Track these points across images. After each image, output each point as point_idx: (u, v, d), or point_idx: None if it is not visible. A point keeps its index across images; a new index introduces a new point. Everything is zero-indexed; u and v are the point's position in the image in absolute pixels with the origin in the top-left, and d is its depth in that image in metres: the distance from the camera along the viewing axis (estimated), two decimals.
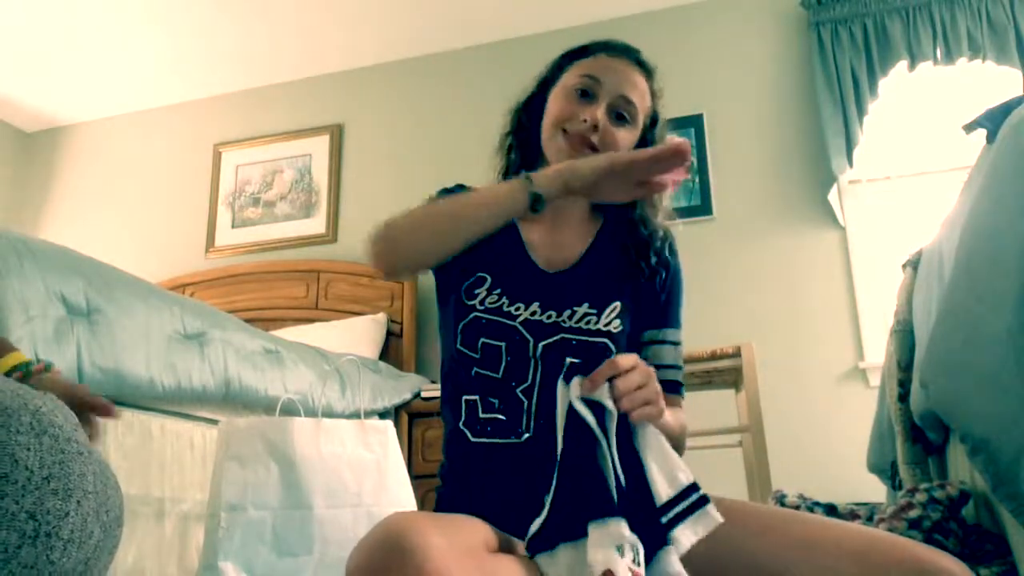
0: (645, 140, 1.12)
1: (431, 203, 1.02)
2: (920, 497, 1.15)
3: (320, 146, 3.80)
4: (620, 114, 1.08)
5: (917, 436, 1.50)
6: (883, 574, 0.76)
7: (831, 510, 1.38)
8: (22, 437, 0.52)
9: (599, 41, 1.14)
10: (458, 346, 1.03)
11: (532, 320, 1.01)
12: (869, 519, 1.32)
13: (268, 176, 3.85)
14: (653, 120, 1.14)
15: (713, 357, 2.23)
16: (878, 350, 2.72)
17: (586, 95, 1.08)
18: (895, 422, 1.55)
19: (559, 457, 0.84)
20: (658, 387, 0.89)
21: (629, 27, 3.47)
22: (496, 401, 1.00)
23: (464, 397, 1.02)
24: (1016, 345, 0.79)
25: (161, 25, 3.51)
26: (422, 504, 2.14)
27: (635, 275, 1.09)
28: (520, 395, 0.99)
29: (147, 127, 4.14)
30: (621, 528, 0.78)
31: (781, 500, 1.42)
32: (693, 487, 0.85)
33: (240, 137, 3.95)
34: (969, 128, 1.14)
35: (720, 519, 0.84)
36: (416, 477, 1.96)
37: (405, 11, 3.48)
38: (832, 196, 2.96)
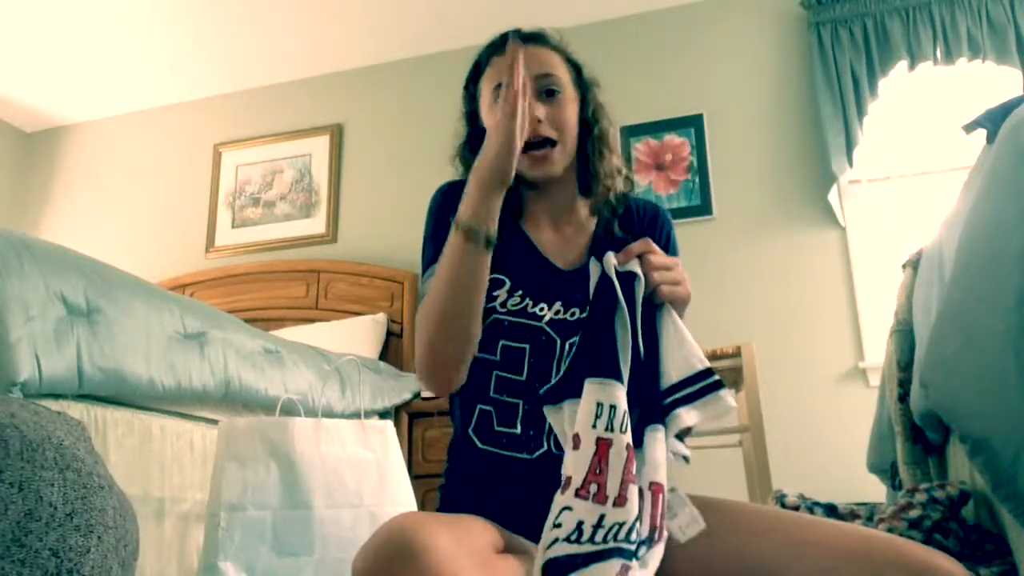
0: (582, 94, 1.14)
1: (419, 314, 1.01)
2: (920, 497, 1.15)
3: (320, 146, 3.80)
4: (548, 90, 1.09)
5: (917, 436, 1.50)
6: (880, 574, 0.76)
7: (831, 510, 1.37)
8: (47, 473, 0.52)
9: (484, 49, 1.15)
10: (477, 353, 1.01)
11: (557, 320, 1.01)
12: (869, 519, 1.32)
13: (268, 176, 3.85)
14: (577, 69, 1.15)
15: (713, 357, 2.23)
16: (878, 350, 2.72)
17: None
18: (895, 422, 1.55)
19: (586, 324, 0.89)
20: (686, 275, 0.93)
21: (629, 27, 3.47)
22: (519, 403, 0.98)
23: (479, 406, 1.01)
24: (1016, 345, 0.79)
25: (161, 25, 3.51)
26: (422, 504, 2.14)
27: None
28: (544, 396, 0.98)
29: (147, 127, 4.14)
30: (614, 390, 0.82)
31: (781, 500, 1.42)
32: (706, 372, 0.87)
33: (240, 137, 3.95)
34: (969, 128, 1.14)
35: (733, 405, 0.87)
36: (416, 477, 1.96)
37: (404, 11, 3.48)
38: (832, 196, 2.96)
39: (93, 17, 3.43)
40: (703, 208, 3.16)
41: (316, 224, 3.71)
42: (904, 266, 1.65)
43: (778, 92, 3.22)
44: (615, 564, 0.74)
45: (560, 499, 0.78)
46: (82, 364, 1.35)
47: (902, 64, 2.97)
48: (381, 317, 3.27)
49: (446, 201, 1.12)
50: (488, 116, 1.12)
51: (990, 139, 1.09)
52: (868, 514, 1.35)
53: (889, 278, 2.77)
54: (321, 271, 3.53)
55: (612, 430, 0.80)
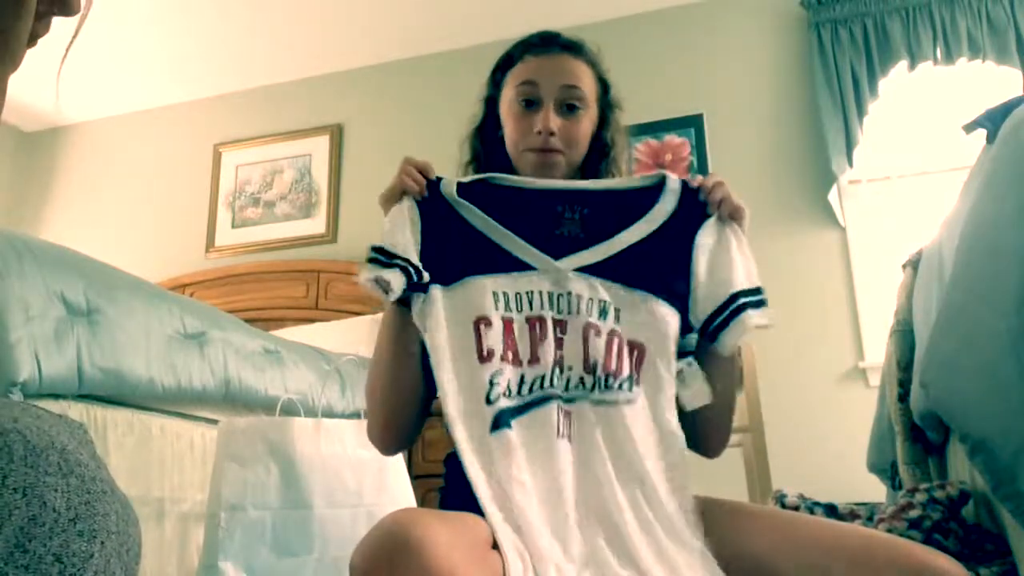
0: (603, 112, 1.14)
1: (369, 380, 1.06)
2: (920, 497, 1.15)
3: (320, 146, 3.80)
4: (570, 104, 1.08)
5: (917, 436, 1.50)
6: (879, 574, 0.76)
7: (831, 510, 1.38)
8: (50, 478, 0.52)
9: (520, 43, 1.15)
10: None
11: None
12: (869, 519, 1.32)
13: (268, 176, 3.85)
14: (605, 87, 1.15)
15: None
16: (878, 350, 2.72)
17: (531, 104, 1.08)
18: (895, 422, 1.55)
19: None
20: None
21: (629, 27, 3.47)
22: None
23: None
24: (1016, 345, 0.79)
25: (161, 25, 3.51)
26: (422, 504, 2.14)
27: None
28: None
29: (147, 127, 4.14)
30: (510, 280, 0.97)
31: (781, 500, 1.42)
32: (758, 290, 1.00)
33: (240, 137, 3.95)
34: (969, 128, 1.14)
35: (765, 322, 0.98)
36: (416, 477, 1.96)
37: (404, 11, 3.48)
38: (832, 196, 2.96)
39: (93, 17, 3.41)
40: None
41: (316, 224, 3.71)
42: (904, 266, 1.65)
43: (778, 92, 3.22)
44: (552, 406, 0.91)
45: (489, 366, 0.92)
46: (82, 364, 1.35)
47: (902, 64, 2.97)
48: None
49: None
50: (507, 111, 1.12)
51: (990, 139, 1.09)
52: (868, 514, 1.35)
53: (889, 278, 2.77)
54: (321, 271, 3.53)
55: (511, 311, 0.95)
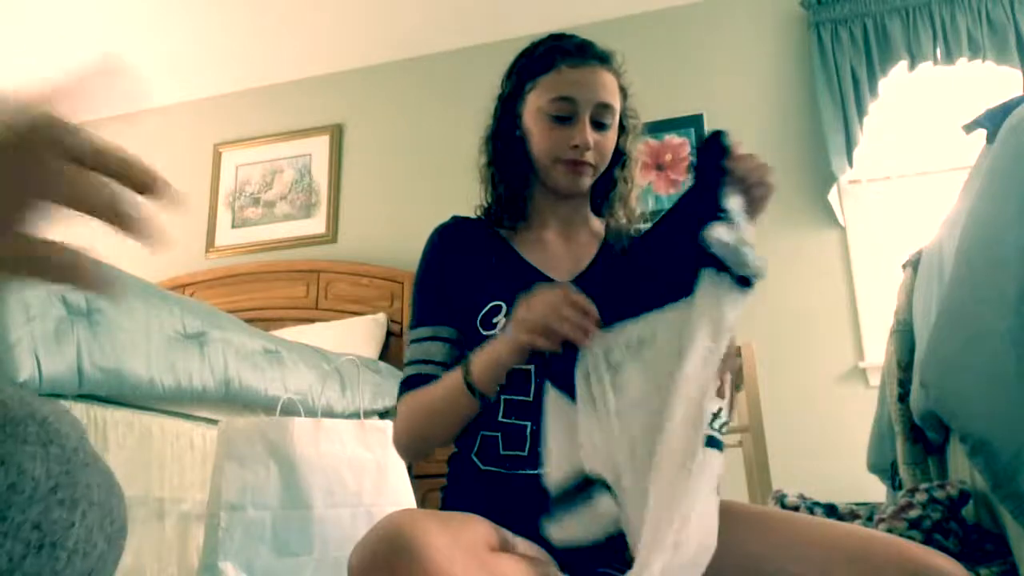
0: (621, 120, 1.14)
1: (405, 407, 1.05)
2: (920, 497, 1.15)
3: (320, 146, 3.80)
4: (602, 122, 1.08)
5: (917, 436, 1.50)
6: (879, 574, 0.76)
7: (831, 510, 1.38)
8: (29, 447, 0.52)
9: (554, 48, 1.10)
10: None
11: None
12: (869, 519, 1.32)
13: (268, 176, 3.85)
14: (624, 95, 1.15)
15: None
16: (878, 350, 2.72)
17: (565, 119, 1.06)
18: (895, 422, 1.55)
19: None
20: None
21: (630, 27, 3.47)
22: (527, 425, 0.98)
23: (482, 432, 1.01)
24: (1016, 345, 0.79)
25: (161, 25, 3.51)
26: (422, 504, 2.14)
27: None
28: None
29: (147, 127, 4.14)
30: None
31: (781, 500, 1.42)
32: None
33: (240, 137, 3.95)
34: (969, 128, 1.14)
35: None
36: (416, 477, 1.96)
37: (404, 11, 3.48)
38: (832, 196, 2.96)
39: (93, 17, 3.43)
40: None
41: (316, 224, 3.71)
42: (904, 266, 1.65)
43: (778, 92, 3.22)
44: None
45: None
46: (82, 364, 1.35)
47: (902, 64, 2.97)
48: (381, 317, 3.27)
49: (443, 245, 1.12)
50: (535, 117, 1.09)
51: (990, 139, 1.09)
52: (868, 514, 1.35)
53: (889, 278, 2.77)
54: (321, 271, 3.53)
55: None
